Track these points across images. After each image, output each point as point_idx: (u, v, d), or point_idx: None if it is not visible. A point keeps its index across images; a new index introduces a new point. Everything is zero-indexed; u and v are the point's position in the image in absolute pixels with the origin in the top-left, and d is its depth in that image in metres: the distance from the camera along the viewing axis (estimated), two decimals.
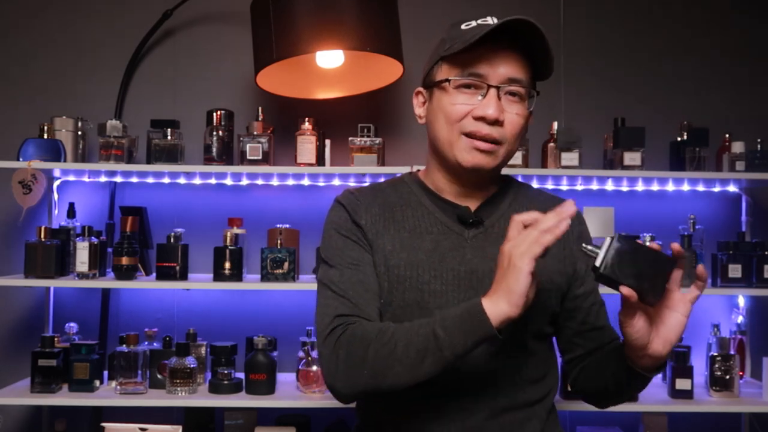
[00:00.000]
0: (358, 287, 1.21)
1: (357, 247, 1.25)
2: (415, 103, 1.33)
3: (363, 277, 1.23)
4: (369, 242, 1.26)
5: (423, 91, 1.31)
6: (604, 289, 1.19)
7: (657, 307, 1.08)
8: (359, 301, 1.20)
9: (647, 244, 1.07)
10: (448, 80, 1.22)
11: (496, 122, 1.20)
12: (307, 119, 2.24)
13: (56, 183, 2.41)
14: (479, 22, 1.21)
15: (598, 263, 1.04)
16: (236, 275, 2.16)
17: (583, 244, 1.08)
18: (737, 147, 2.27)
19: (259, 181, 2.43)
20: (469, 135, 1.21)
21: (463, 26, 1.22)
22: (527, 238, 1.04)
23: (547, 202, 1.35)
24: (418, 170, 1.38)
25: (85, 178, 2.41)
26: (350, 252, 1.25)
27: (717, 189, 2.46)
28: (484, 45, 1.19)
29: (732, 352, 2.22)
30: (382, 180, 2.31)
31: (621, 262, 1.03)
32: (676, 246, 1.06)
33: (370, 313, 1.20)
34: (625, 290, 1.03)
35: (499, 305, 1.05)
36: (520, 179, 1.40)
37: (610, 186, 2.43)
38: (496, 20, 1.19)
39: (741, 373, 2.29)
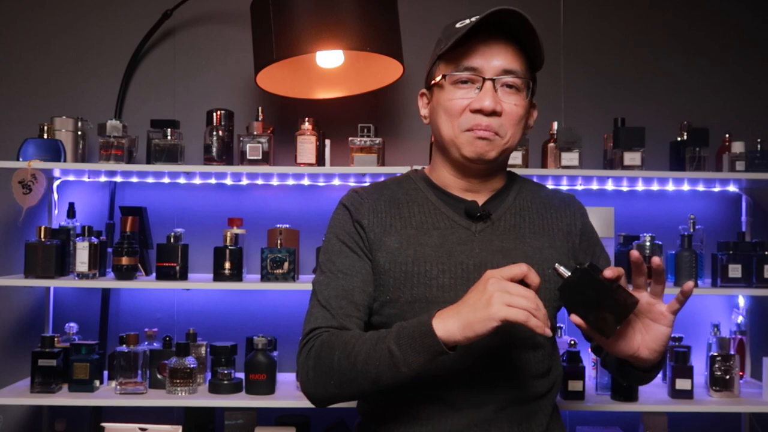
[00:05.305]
0: (341, 298, 1.23)
1: (351, 255, 1.27)
2: (419, 105, 1.36)
3: (349, 286, 1.24)
4: (370, 243, 1.26)
5: (426, 92, 1.34)
6: None
7: (642, 320, 1.12)
8: (338, 312, 1.22)
9: (617, 283, 1.07)
10: (444, 76, 1.25)
11: (494, 113, 1.22)
12: (307, 119, 2.24)
13: (56, 183, 2.41)
14: (472, 19, 1.22)
15: (560, 287, 1.09)
16: (236, 275, 2.16)
17: (556, 264, 1.11)
18: (737, 147, 2.27)
19: (259, 181, 2.43)
20: (470, 130, 1.23)
21: (457, 25, 1.25)
22: (522, 299, 1.02)
23: (550, 196, 1.36)
24: (423, 167, 1.40)
25: (85, 178, 2.41)
26: (343, 260, 1.26)
27: (717, 189, 2.45)
28: (478, 39, 1.22)
29: (732, 352, 2.21)
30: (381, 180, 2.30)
31: (579, 293, 1.07)
32: (634, 253, 1.09)
33: (349, 324, 1.22)
34: (574, 318, 1.08)
35: (452, 330, 1.05)
36: None
37: (610, 186, 2.42)
38: None
39: (741, 373, 2.29)
